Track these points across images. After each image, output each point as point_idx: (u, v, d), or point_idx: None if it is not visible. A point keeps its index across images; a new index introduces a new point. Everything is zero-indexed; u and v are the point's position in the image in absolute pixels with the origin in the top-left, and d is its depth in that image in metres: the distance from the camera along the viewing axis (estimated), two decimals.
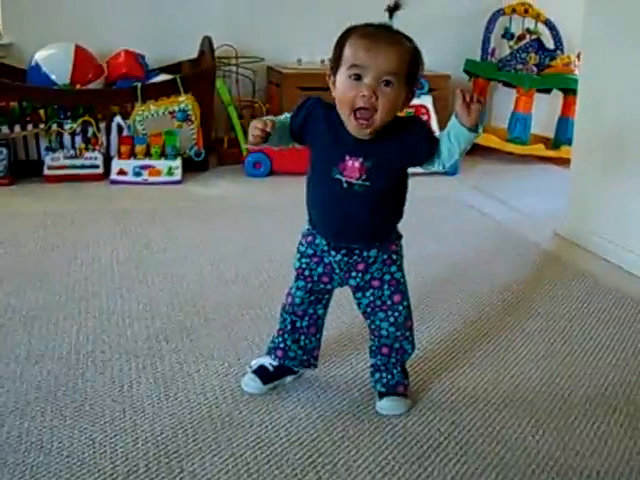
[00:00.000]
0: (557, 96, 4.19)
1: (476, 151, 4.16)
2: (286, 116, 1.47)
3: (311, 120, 1.42)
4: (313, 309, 1.57)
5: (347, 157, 1.39)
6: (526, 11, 4.46)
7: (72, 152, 3.49)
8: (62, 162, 3.46)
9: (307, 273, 1.52)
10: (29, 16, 3.79)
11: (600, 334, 1.96)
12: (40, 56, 3.60)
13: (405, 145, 1.40)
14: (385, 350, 1.55)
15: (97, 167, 3.49)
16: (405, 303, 1.53)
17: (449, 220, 2.99)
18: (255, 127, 1.37)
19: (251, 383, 1.59)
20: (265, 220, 2.89)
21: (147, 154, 3.50)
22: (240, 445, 1.39)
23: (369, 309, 1.53)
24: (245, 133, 3.78)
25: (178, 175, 3.46)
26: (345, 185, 1.40)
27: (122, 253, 2.47)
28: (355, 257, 1.47)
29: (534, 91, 4.12)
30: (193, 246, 2.55)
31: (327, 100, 1.42)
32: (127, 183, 3.43)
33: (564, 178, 2.95)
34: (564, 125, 4.09)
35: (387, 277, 1.50)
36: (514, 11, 4.44)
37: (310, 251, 1.51)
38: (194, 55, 3.88)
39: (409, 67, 1.33)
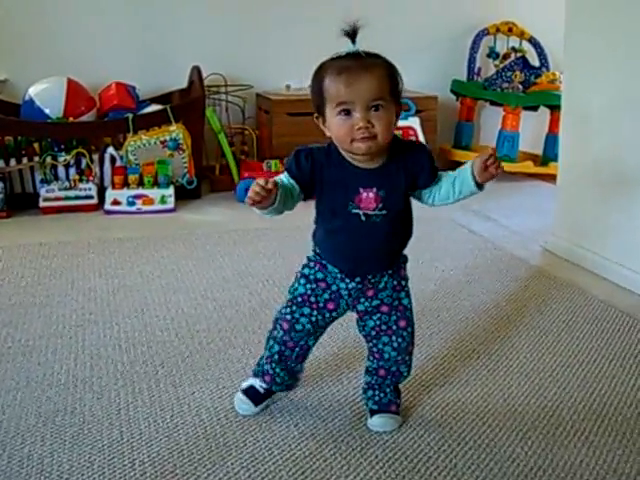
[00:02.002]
0: (544, 113, 4.26)
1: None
2: (282, 178, 1.42)
3: (317, 166, 1.41)
4: (305, 341, 1.55)
5: (361, 190, 1.40)
6: (510, 30, 4.56)
7: (66, 184, 3.54)
8: (57, 194, 3.51)
9: (313, 299, 1.50)
10: (21, 52, 3.86)
11: (588, 346, 2.00)
12: (33, 91, 3.67)
13: (411, 169, 1.43)
14: (382, 372, 1.57)
15: (91, 198, 3.54)
16: (410, 329, 1.54)
17: (438, 238, 3.04)
18: (255, 184, 1.32)
19: (243, 405, 1.61)
20: (258, 245, 2.94)
21: (140, 183, 3.55)
22: (235, 464, 1.42)
23: (374, 332, 1.53)
24: (236, 160, 3.84)
25: (171, 203, 3.51)
26: (363, 218, 1.41)
27: (117, 281, 2.51)
28: (367, 284, 1.48)
29: (521, 109, 4.19)
30: (187, 272, 2.59)
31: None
32: (121, 213, 3.48)
33: (553, 194, 3.00)
34: (552, 142, 4.15)
35: (395, 303, 1.51)
36: (498, 30, 4.53)
37: (320, 275, 1.50)
38: (184, 85, 3.95)
39: (390, 84, 1.35)
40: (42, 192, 3.51)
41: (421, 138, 3.90)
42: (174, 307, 2.27)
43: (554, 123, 4.13)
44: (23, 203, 3.54)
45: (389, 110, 1.35)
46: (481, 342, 2.02)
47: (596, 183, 2.64)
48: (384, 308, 1.51)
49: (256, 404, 1.61)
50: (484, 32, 4.49)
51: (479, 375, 1.83)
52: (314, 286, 1.50)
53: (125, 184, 3.55)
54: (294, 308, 1.51)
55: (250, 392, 1.62)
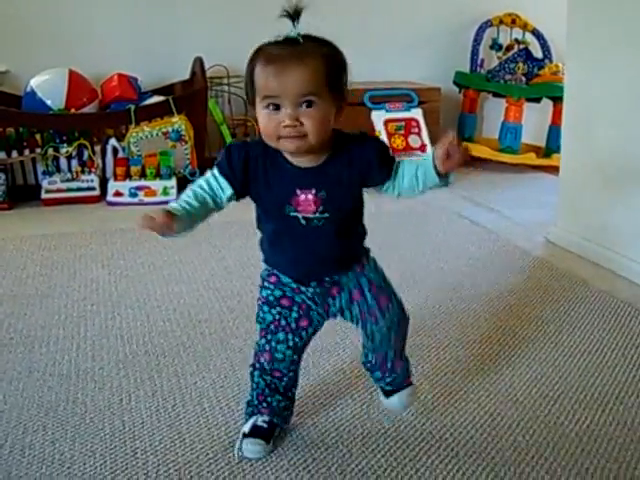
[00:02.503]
0: (547, 105, 4.24)
1: (467, 162, 4.22)
2: (196, 190, 1.29)
3: (252, 162, 1.27)
4: (293, 370, 1.43)
5: (298, 191, 1.26)
6: (513, 22, 4.54)
7: (69, 175, 3.54)
8: (59, 185, 3.51)
9: (284, 322, 1.37)
10: (22, 43, 3.85)
11: (590, 336, 2.00)
12: (35, 82, 3.66)
13: (356, 165, 1.28)
14: (380, 358, 1.48)
15: (94, 189, 3.54)
16: (394, 303, 1.42)
17: (440, 230, 3.04)
18: (143, 219, 1.19)
19: (252, 447, 1.42)
20: (258, 235, 2.92)
21: (142, 175, 3.55)
22: (234, 457, 1.42)
23: (360, 322, 1.41)
24: None
25: (173, 195, 3.51)
26: (303, 222, 1.28)
27: (119, 272, 2.51)
28: (326, 285, 1.37)
29: (524, 101, 4.18)
30: (189, 263, 2.59)
31: None
32: (123, 204, 3.48)
33: (555, 186, 2.99)
34: (555, 133, 4.14)
35: (364, 282, 1.39)
36: (501, 22, 4.52)
37: (278, 293, 1.37)
38: (186, 76, 3.94)
39: (328, 77, 1.19)
40: (44, 184, 3.51)
41: (424, 130, 3.89)
42: (176, 297, 2.27)
43: (557, 115, 4.11)
44: (25, 195, 3.54)
45: (323, 106, 1.18)
46: (483, 332, 2.02)
47: (598, 174, 2.64)
48: (356, 296, 1.38)
49: (267, 441, 1.43)
50: (487, 24, 4.48)
51: (481, 365, 1.83)
52: (278, 309, 1.37)
53: (127, 176, 3.55)
54: (269, 337, 1.38)
55: (255, 431, 1.44)
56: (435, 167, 1.23)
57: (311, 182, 1.27)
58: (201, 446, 1.45)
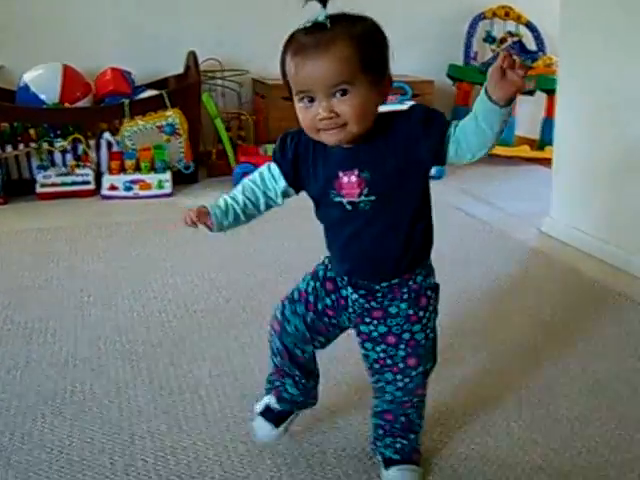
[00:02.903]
0: (541, 97, 4.26)
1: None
2: (246, 183, 1.26)
3: (301, 149, 1.21)
4: (301, 350, 1.33)
5: (340, 173, 1.16)
6: (507, 14, 4.55)
7: (63, 169, 3.54)
8: (54, 180, 3.51)
9: (311, 299, 1.28)
10: (16, 38, 3.85)
11: (583, 325, 2.02)
12: (29, 77, 3.66)
13: (403, 141, 1.14)
14: (389, 416, 1.33)
15: (88, 183, 3.54)
16: (420, 369, 1.27)
17: (435, 221, 3.04)
18: (188, 215, 1.20)
19: (261, 431, 1.39)
20: (253, 228, 2.92)
21: (137, 169, 3.56)
22: (232, 439, 1.45)
23: (377, 365, 1.28)
24: (233, 145, 3.85)
25: (168, 188, 3.52)
26: (349, 207, 1.17)
27: (115, 264, 2.52)
28: (374, 303, 1.23)
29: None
30: (184, 255, 2.61)
31: None
32: (118, 198, 3.49)
33: (549, 178, 3.01)
34: (548, 126, 4.14)
35: (406, 336, 1.24)
36: (495, 15, 4.53)
37: (331, 274, 1.27)
38: (180, 70, 3.95)
39: (362, 60, 1.08)
40: (39, 178, 3.51)
41: None
42: (172, 289, 2.28)
43: (550, 107, 4.13)
44: (20, 189, 3.53)
45: (360, 92, 1.08)
46: (477, 320, 2.04)
47: (591, 166, 2.66)
48: (391, 339, 1.24)
49: (276, 424, 1.38)
50: (481, 16, 4.49)
51: (476, 352, 1.85)
52: (318, 285, 1.28)
53: (122, 169, 3.55)
54: (287, 304, 1.31)
55: (267, 414, 1.39)
56: (490, 98, 1.04)
57: (353, 162, 1.16)
58: (197, 432, 1.47)
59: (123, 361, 1.79)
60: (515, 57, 1.01)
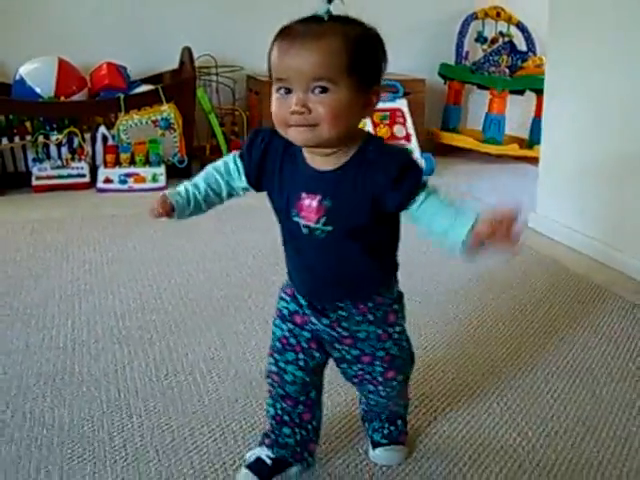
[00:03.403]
0: (531, 97, 4.33)
1: (452, 152, 4.33)
2: (209, 171, 1.21)
3: (272, 153, 1.14)
4: (306, 393, 1.26)
5: (303, 194, 1.10)
6: (498, 14, 4.62)
7: (59, 162, 3.59)
8: (49, 172, 3.57)
9: (294, 341, 1.22)
10: (11, 32, 3.89)
11: (564, 315, 2.09)
12: (24, 70, 3.70)
13: (371, 186, 1.07)
14: (374, 414, 1.38)
15: (84, 176, 3.60)
16: (400, 377, 1.27)
17: None
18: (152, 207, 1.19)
19: None
20: (246, 220, 3.01)
21: (132, 162, 3.61)
22: (226, 417, 1.51)
23: (356, 380, 1.28)
24: (226, 140, 3.90)
25: (162, 181, 3.58)
26: (305, 230, 1.12)
27: (111, 254, 2.58)
28: (340, 330, 1.20)
29: (507, 92, 4.26)
30: (179, 246, 2.66)
31: None
32: (113, 191, 3.54)
33: (537, 176, 3.08)
34: (538, 126, 4.16)
35: (380, 353, 1.22)
36: (486, 15, 4.59)
37: (293, 307, 1.23)
38: (174, 66, 4.00)
39: (350, 61, 1.01)
40: (34, 171, 3.56)
41: (409, 120, 3.97)
42: (167, 278, 2.34)
43: (540, 107, 4.16)
44: (16, 182, 3.58)
45: (341, 95, 1.01)
46: (462, 310, 2.11)
47: (577, 164, 2.73)
48: (365, 358, 1.23)
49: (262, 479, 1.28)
50: (472, 16, 4.55)
51: (460, 339, 1.91)
52: (290, 326, 1.22)
53: (117, 163, 3.61)
54: (277, 357, 1.24)
55: (256, 466, 1.28)
56: (464, 240, 1.04)
57: (318, 186, 1.10)
58: (192, 411, 1.53)
59: (120, 345, 1.85)
60: (509, 221, 0.99)
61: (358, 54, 1.02)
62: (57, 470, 1.33)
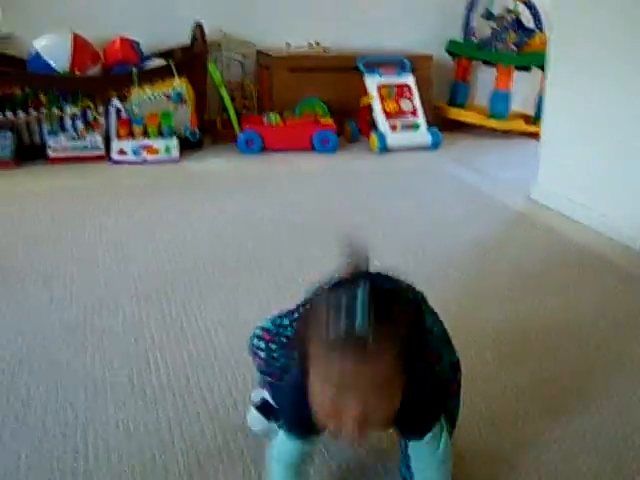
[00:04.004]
0: (537, 74, 4.38)
1: (458, 127, 4.39)
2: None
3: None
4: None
5: None
6: None
7: (74, 135, 3.69)
8: (65, 144, 3.66)
9: None
10: (27, 7, 3.97)
11: (560, 281, 2.17)
12: (40, 44, 3.78)
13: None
14: None
15: (98, 148, 3.69)
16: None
17: (430, 188, 3.21)
18: None
19: (258, 423, 1.36)
20: (256, 190, 3.11)
21: (144, 134, 3.70)
22: (237, 363, 1.61)
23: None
24: (237, 113, 3.99)
25: (175, 153, 3.67)
26: None
27: (126, 221, 2.68)
28: None
29: (513, 69, 4.32)
30: (192, 214, 2.76)
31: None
32: (127, 162, 3.64)
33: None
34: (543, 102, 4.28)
35: None
36: None
37: None
38: (186, 41, 4.08)
39: (398, 364, 0.96)
40: (50, 143, 3.65)
41: (415, 94, 4.04)
42: (181, 242, 2.44)
43: None
44: (31, 154, 3.67)
45: (394, 390, 0.98)
46: (463, 271, 2.21)
47: (578, 136, 2.81)
48: None
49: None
50: None
51: (461, 302, 1.99)
52: None
53: (130, 134, 3.70)
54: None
55: (262, 407, 1.37)
56: None
57: None
58: (205, 357, 1.65)
59: (138, 302, 1.95)
60: None
61: (409, 357, 0.98)
62: (82, 410, 1.44)
